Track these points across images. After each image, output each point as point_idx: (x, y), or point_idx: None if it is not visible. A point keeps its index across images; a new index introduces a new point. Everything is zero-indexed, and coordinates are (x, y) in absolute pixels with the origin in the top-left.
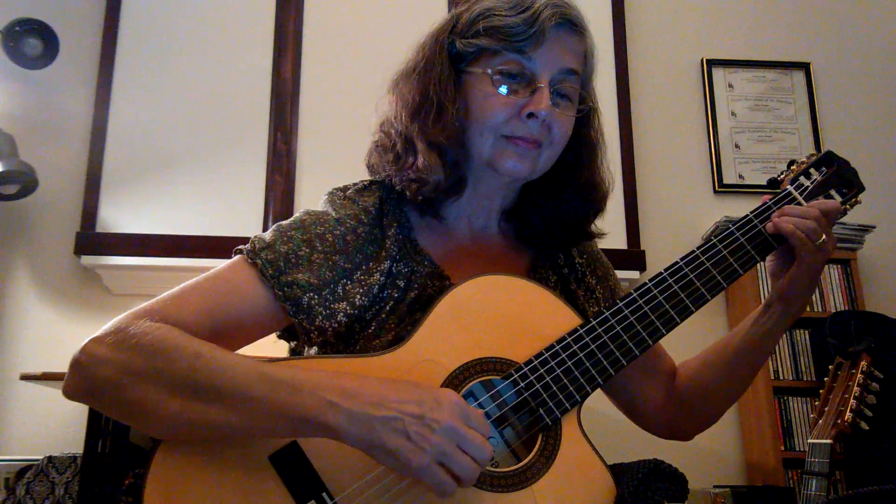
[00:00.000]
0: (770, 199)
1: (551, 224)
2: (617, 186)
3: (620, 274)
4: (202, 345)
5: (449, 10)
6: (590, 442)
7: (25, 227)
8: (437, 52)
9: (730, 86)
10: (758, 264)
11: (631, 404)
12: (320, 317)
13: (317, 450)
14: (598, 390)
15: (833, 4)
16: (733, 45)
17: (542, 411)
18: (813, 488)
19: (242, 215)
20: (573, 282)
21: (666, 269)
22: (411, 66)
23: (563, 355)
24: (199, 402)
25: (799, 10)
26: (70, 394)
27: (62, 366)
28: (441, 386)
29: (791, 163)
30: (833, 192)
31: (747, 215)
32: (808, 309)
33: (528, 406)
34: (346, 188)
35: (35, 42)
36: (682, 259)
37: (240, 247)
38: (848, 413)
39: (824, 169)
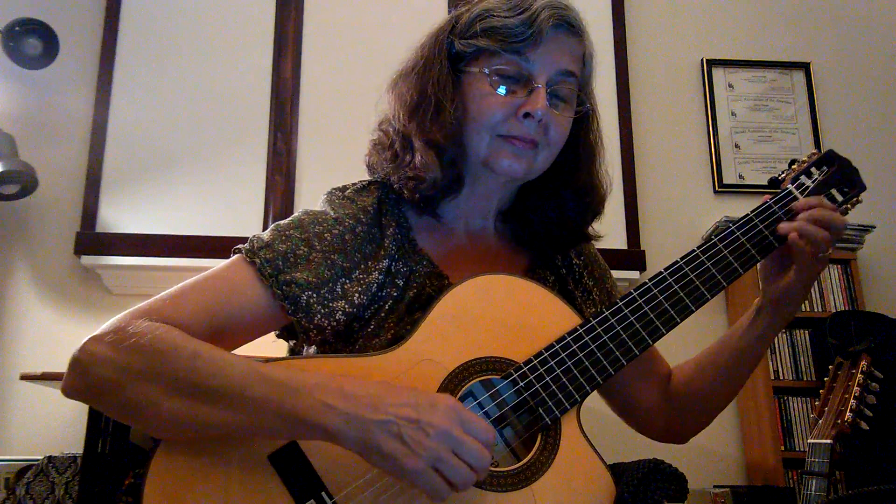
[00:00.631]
0: (771, 199)
1: (549, 226)
2: (617, 186)
3: (620, 274)
4: (201, 345)
5: (449, 11)
6: (589, 441)
7: (25, 227)
8: (436, 51)
9: (730, 86)
10: (758, 264)
11: (627, 407)
12: (319, 315)
13: (316, 449)
14: (596, 392)
15: (833, 4)
16: (733, 45)
17: (541, 411)
18: (813, 488)
19: (242, 215)
20: (570, 282)
21: (666, 269)
22: (410, 65)
23: (563, 355)
24: (196, 402)
25: (799, 10)
26: (69, 392)
27: (62, 366)
28: (440, 385)
29: (792, 162)
30: (834, 192)
31: (748, 215)
32: (807, 309)
33: (528, 406)
34: (344, 188)
35: (35, 42)
36: (682, 258)
37: (238, 246)
38: (848, 413)
39: (825, 168)
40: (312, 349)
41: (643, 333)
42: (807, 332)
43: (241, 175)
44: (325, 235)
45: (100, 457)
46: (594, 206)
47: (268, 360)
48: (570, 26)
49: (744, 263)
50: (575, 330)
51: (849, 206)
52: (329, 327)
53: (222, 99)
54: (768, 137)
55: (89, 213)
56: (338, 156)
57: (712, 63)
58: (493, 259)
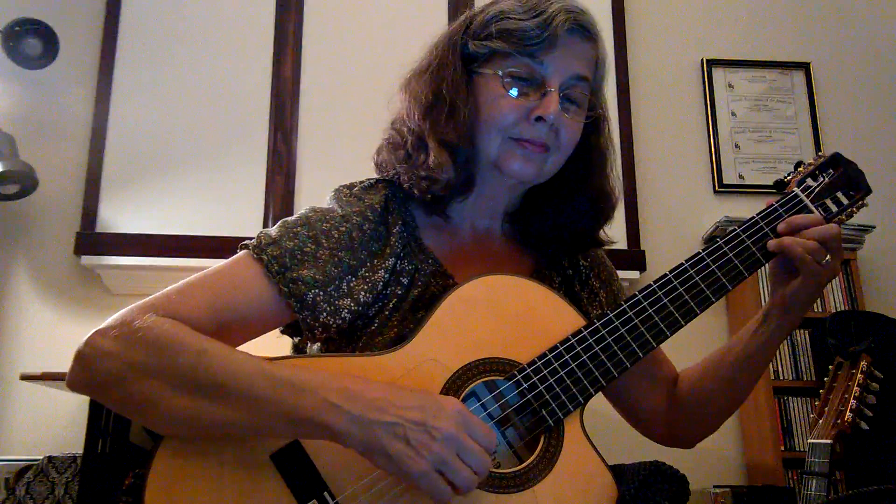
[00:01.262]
0: (776, 202)
1: (561, 231)
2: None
3: (620, 274)
4: (206, 341)
5: (449, 12)
6: (592, 443)
7: (25, 227)
8: (450, 52)
9: (730, 86)
10: (765, 268)
11: (632, 411)
12: (325, 313)
13: (318, 449)
14: (601, 395)
15: (833, 4)
16: (733, 45)
17: (544, 412)
18: (813, 488)
19: (242, 215)
20: (577, 284)
21: (671, 271)
22: (424, 65)
23: (567, 356)
24: (201, 398)
25: (799, 10)
26: (74, 385)
27: (62, 366)
28: (443, 386)
29: (798, 164)
30: (840, 195)
31: (753, 217)
32: None
33: (531, 407)
34: (352, 185)
35: (35, 42)
36: (687, 261)
37: (245, 242)
38: (848, 413)
39: (831, 171)
40: (316, 346)
41: (647, 336)
42: (807, 332)
43: (241, 175)
44: (333, 233)
45: (100, 457)
46: (606, 212)
47: (273, 360)
48: (585, 31)
49: (748, 267)
50: (579, 332)
51: (854, 209)
52: (334, 325)
53: (222, 99)
54: (768, 137)
55: (89, 213)
56: (338, 156)
57: (712, 63)
58: (498, 260)
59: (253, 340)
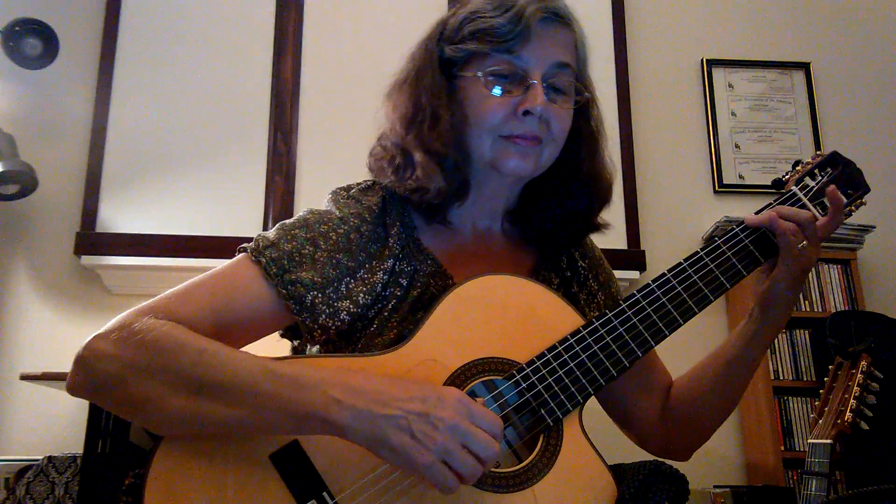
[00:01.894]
0: (775, 201)
1: (558, 221)
2: (617, 186)
3: (620, 274)
4: (206, 341)
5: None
6: (591, 443)
7: (25, 227)
8: (426, 60)
9: (730, 86)
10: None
11: (627, 419)
12: (324, 315)
13: (317, 449)
14: (595, 402)
15: (833, 4)
16: (733, 45)
17: (543, 412)
18: (813, 488)
19: (242, 215)
20: (575, 284)
21: (669, 271)
22: (402, 76)
23: (566, 356)
24: (203, 398)
25: (799, 10)
26: (74, 389)
27: (62, 366)
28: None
29: (796, 163)
30: (840, 194)
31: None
32: (807, 309)
33: (530, 406)
34: (349, 187)
35: (35, 42)
36: (685, 260)
37: (244, 245)
38: (848, 413)
39: (829, 170)
40: (315, 349)
41: (646, 335)
42: (807, 332)
43: (241, 175)
44: (331, 235)
45: (100, 457)
46: (602, 195)
47: (273, 359)
48: (558, 17)
49: (746, 266)
50: (578, 331)
51: (853, 207)
52: (333, 327)
53: (222, 99)
54: (768, 137)
55: (89, 213)
56: (338, 156)
57: (712, 63)
58: (498, 260)
59: (252, 344)
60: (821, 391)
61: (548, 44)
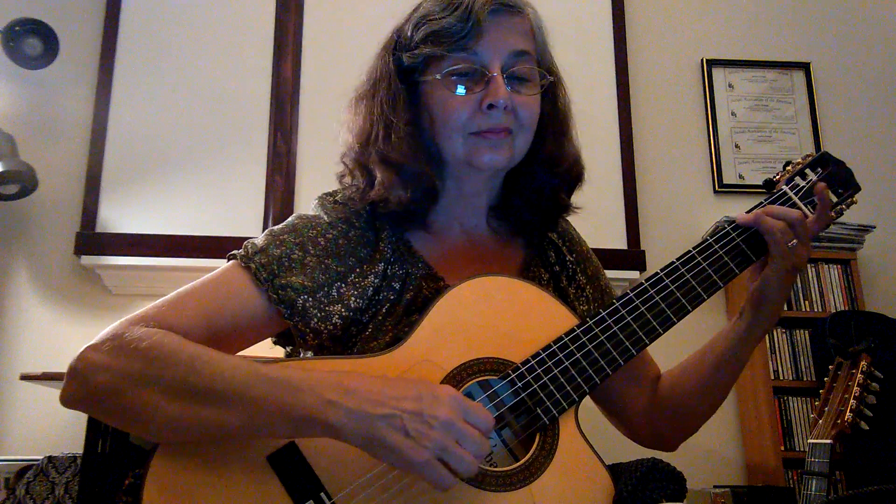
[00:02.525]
0: (765, 200)
1: (533, 207)
2: (617, 186)
3: (620, 274)
4: (199, 348)
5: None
6: (588, 441)
7: (25, 227)
8: (382, 72)
9: (730, 86)
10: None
11: (616, 411)
12: (315, 319)
13: (315, 450)
14: (591, 402)
15: (833, 4)
16: (733, 45)
17: (539, 411)
18: (813, 488)
19: (242, 215)
20: (564, 279)
21: (662, 269)
22: (360, 93)
23: (561, 355)
24: (197, 404)
25: (799, 10)
26: (68, 402)
27: (62, 366)
28: None
29: (787, 163)
30: (829, 193)
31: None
32: (807, 309)
33: (526, 406)
34: (335, 193)
35: (35, 42)
36: (678, 259)
37: (233, 252)
38: (848, 413)
39: (820, 169)
40: (309, 355)
41: (640, 333)
42: (807, 332)
43: (241, 175)
44: (319, 240)
45: (100, 457)
46: (569, 175)
47: (266, 362)
48: (508, 6)
49: (739, 264)
50: (572, 331)
51: (844, 206)
52: (325, 331)
53: (222, 99)
54: (768, 137)
55: (89, 213)
56: (338, 156)
57: (712, 63)
58: (488, 259)
59: (245, 350)
60: (821, 391)
61: (501, 35)
